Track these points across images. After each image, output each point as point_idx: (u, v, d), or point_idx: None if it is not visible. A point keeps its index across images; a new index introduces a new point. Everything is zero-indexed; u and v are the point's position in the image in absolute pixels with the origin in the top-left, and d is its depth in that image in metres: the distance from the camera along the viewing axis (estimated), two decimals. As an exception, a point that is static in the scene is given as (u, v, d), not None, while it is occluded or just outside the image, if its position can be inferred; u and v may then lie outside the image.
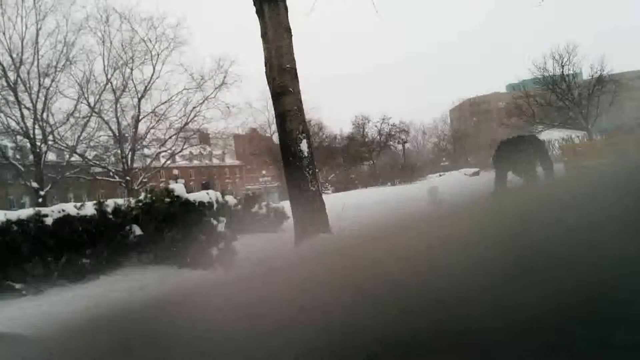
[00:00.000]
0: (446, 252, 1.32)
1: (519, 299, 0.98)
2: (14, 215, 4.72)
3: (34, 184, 23.88)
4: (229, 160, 58.59)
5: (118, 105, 26.86)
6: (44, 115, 24.35)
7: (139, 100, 27.34)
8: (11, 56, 23.54)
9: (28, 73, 24.04)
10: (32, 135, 23.96)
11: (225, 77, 28.29)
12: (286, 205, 6.48)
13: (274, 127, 33.80)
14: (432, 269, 1.23)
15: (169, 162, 31.32)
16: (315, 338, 1.02)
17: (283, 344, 1.02)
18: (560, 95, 33.31)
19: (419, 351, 0.92)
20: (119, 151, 27.27)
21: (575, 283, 1.00)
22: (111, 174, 27.88)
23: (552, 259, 1.13)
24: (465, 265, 1.19)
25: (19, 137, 24.44)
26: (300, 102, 5.42)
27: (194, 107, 28.26)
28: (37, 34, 24.04)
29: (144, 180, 28.19)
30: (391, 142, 47.01)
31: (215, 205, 5.82)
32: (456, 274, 1.16)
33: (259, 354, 1.01)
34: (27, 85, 23.96)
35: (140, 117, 27.49)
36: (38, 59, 24.17)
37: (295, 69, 5.38)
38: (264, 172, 51.02)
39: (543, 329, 0.88)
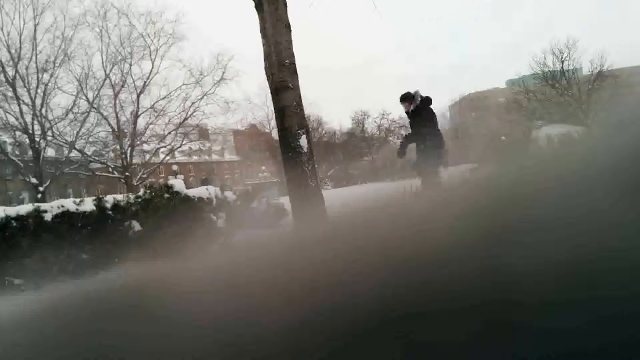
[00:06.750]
0: (434, 230, 1.35)
1: (506, 264, 1.02)
2: (13, 211, 4.72)
3: (33, 180, 23.89)
4: (228, 156, 58.56)
5: (117, 101, 26.84)
6: (43, 110, 24.34)
7: (138, 95, 27.31)
8: (9, 52, 23.50)
9: (26, 68, 24.00)
10: (31, 131, 23.95)
11: (224, 72, 28.28)
12: (285, 200, 6.48)
13: (273, 122, 33.83)
14: (422, 244, 1.25)
15: (168, 157, 31.29)
16: (310, 315, 1.03)
17: (280, 321, 1.04)
18: (560, 90, 33.32)
19: (413, 318, 0.94)
20: (118, 147, 27.26)
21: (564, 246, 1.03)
22: (110, 169, 27.88)
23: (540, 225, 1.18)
24: (452, 236, 1.22)
25: (17, 133, 24.41)
26: (300, 97, 5.40)
27: (193, 103, 28.26)
28: (35, 30, 24.00)
29: (143, 176, 28.19)
30: (391, 138, 47.04)
31: (214, 201, 5.83)
32: (444, 249, 1.19)
33: (259, 336, 1.03)
34: (26, 80, 23.92)
35: (139, 113, 27.45)
36: (36, 55, 24.14)
37: (295, 65, 5.35)
38: (263, 167, 51.04)
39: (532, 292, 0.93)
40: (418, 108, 6.70)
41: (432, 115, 6.73)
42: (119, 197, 5.51)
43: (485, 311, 0.92)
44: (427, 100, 6.74)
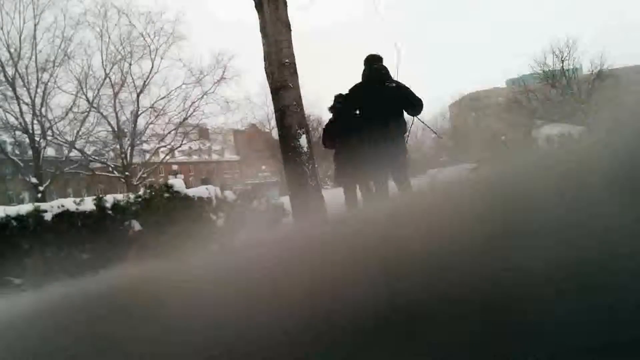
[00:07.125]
0: (435, 228, 1.35)
1: (507, 264, 1.02)
2: (13, 210, 4.72)
3: (33, 180, 23.89)
4: (228, 156, 58.49)
5: (117, 101, 26.84)
6: (43, 110, 24.35)
7: (138, 95, 27.32)
8: (9, 51, 23.51)
9: (26, 68, 24.01)
10: (31, 131, 23.96)
11: (224, 72, 28.28)
12: (286, 200, 6.48)
13: (273, 122, 33.75)
14: (422, 244, 1.26)
15: (168, 157, 31.28)
16: (310, 315, 1.04)
17: (281, 321, 1.04)
18: (560, 90, 33.32)
19: (413, 318, 0.95)
20: (118, 146, 27.26)
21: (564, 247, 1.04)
22: (110, 169, 27.87)
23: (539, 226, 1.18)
24: (453, 236, 1.22)
25: (17, 133, 24.41)
26: (300, 97, 5.40)
27: (192, 102, 28.26)
28: (35, 29, 24.01)
29: (143, 175, 28.19)
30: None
31: (214, 201, 5.83)
32: (445, 249, 1.19)
33: (259, 336, 1.03)
34: (26, 80, 23.93)
35: (139, 112, 27.46)
36: (36, 54, 24.15)
37: (295, 64, 5.36)
38: (263, 167, 51.01)
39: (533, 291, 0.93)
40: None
41: None
42: (119, 196, 5.51)
43: (486, 311, 0.92)
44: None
